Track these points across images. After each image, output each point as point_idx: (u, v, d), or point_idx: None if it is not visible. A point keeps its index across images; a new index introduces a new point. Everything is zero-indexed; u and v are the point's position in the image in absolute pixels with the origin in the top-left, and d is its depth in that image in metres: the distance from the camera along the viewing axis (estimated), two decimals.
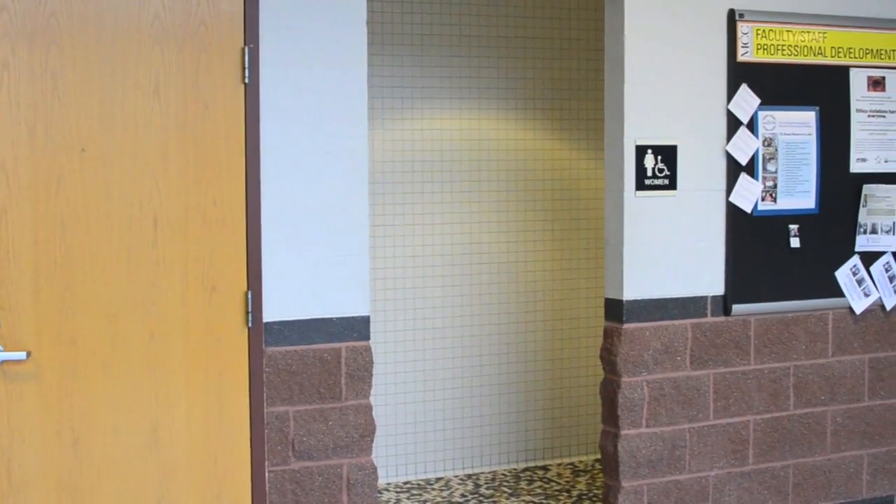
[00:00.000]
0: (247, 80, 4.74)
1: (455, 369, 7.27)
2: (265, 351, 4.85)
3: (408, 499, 6.93)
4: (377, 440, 5.24)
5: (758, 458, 5.99)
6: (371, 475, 5.10)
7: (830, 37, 6.08)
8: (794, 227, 6.01)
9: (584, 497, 6.89)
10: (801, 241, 6.02)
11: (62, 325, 4.46)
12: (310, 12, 4.90)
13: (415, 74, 7.24)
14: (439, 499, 6.93)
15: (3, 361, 4.36)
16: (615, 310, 5.69)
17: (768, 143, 5.93)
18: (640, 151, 5.63)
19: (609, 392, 5.73)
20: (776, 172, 5.96)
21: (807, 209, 6.05)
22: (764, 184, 5.92)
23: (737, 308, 5.86)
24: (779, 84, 5.95)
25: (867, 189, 6.17)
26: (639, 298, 5.65)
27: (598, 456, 6.68)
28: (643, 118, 5.64)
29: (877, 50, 6.20)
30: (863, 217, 6.17)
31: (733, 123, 5.84)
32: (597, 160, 7.57)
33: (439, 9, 7.26)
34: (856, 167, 6.19)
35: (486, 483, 7.28)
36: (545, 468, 7.54)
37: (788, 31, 5.96)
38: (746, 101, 5.85)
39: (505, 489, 7.04)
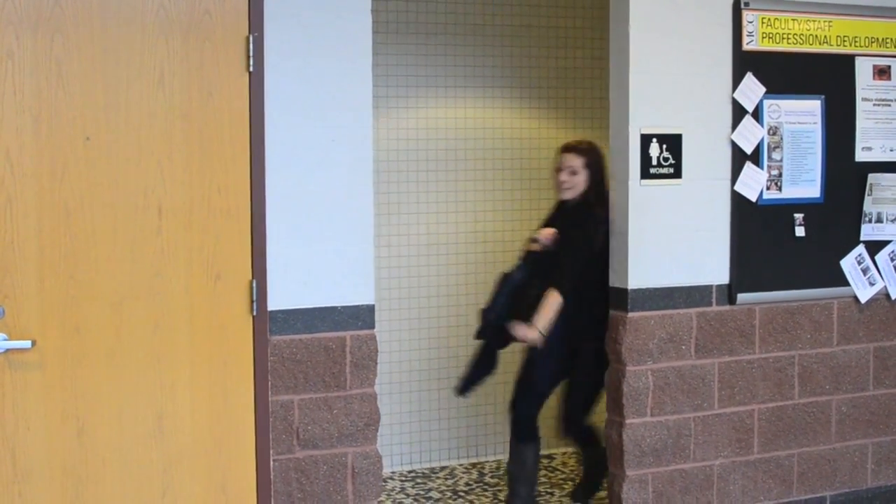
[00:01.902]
0: (251, 69, 4.73)
1: (459, 358, 7.26)
2: (270, 339, 4.86)
3: (412, 487, 6.94)
4: (382, 429, 5.25)
5: (762, 447, 5.99)
6: (376, 464, 5.11)
7: (836, 25, 6.07)
8: (799, 216, 6.00)
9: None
10: (807, 230, 6.01)
11: (67, 314, 4.46)
12: (314, 1, 4.89)
13: (419, 63, 7.23)
14: (444, 487, 6.94)
15: (8, 350, 4.36)
16: (620, 298, 5.68)
17: (773, 131, 5.92)
18: (645, 140, 5.62)
19: (614, 381, 5.73)
20: (781, 161, 5.95)
21: (812, 198, 6.04)
22: (769, 172, 5.91)
23: (742, 297, 5.86)
24: (784, 73, 5.94)
25: (872, 178, 6.16)
26: (644, 287, 5.65)
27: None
28: (648, 106, 5.63)
29: (882, 39, 6.19)
30: (868, 206, 6.16)
31: (738, 112, 5.83)
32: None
33: None
34: (861, 156, 6.18)
35: (490, 472, 7.28)
36: (550, 457, 7.55)
37: (794, 19, 5.95)
38: (752, 90, 5.84)
39: None
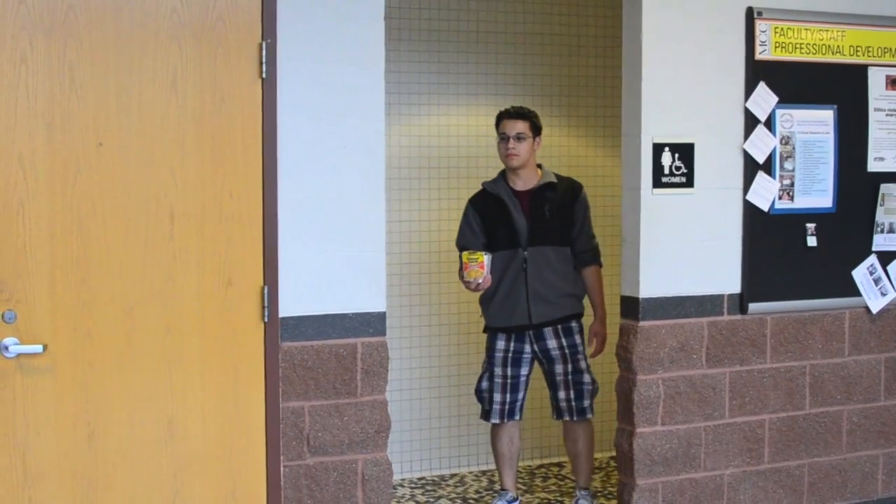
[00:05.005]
0: (264, 75, 4.74)
1: (470, 365, 7.26)
2: (281, 346, 4.86)
3: (422, 494, 6.93)
4: (392, 436, 5.25)
5: (773, 456, 5.98)
6: (386, 471, 5.10)
7: (849, 35, 6.06)
8: (811, 226, 5.99)
9: (598, 494, 6.88)
10: (818, 240, 6.00)
11: (78, 319, 4.47)
12: (328, 7, 4.90)
13: (431, 70, 7.24)
14: (454, 495, 6.93)
15: (20, 354, 4.37)
16: (631, 307, 5.68)
17: (786, 141, 5.91)
18: (657, 149, 5.62)
19: (625, 390, 5.72)
20: (793, 171, 5.94)
21: (824, 208, 6.03)
22: (781, 182, 5.91)
23: (753, 306, 5.85)
24: (797, 82, 5.93)
25: (884, 188, 6.15)
26: (655, 296, 5.65)
27: (614, 453, 6.67)
28: (660, 116, 5.63)
29: (895, 49, 6.18)
30: (880, 216, 6.15)
31: (751, 121, 5.83)
32: (613, 157, 7.55)
33: (456, 4, 7.25)
34: (873, 166, 6.17)
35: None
36: (560, 465, 7.54)
37: (807, 29, 5.94)
38: (764, 99, 5.84)
39: (520, 486, 7.03)
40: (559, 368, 6.16)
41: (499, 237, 6.13)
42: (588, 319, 6.26)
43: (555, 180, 6.14)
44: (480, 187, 6.25)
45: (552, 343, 6.13)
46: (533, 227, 6.05)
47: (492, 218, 6.16)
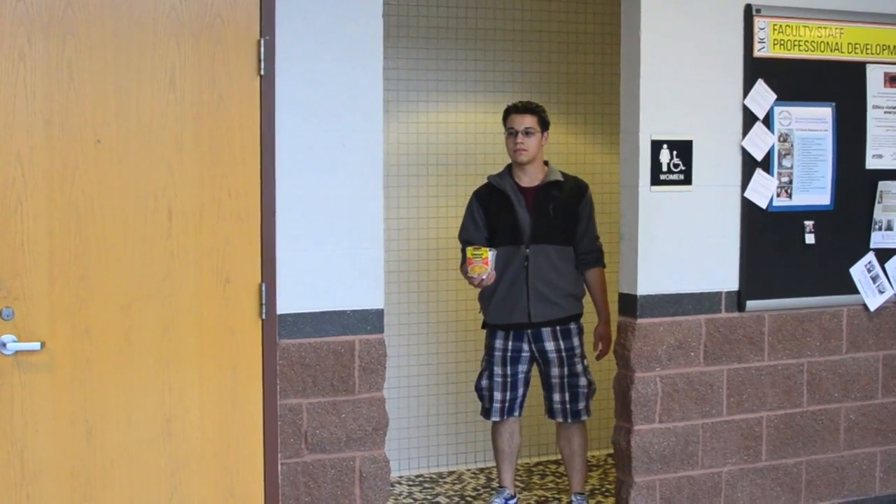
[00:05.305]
0: (262, 73, 4.74)
1: (468, 363, 7.26)
2: (279, 343, 4.86)
3: (420, 492, 6.93)
4: (390, 433, 5.24)
5: (771, 454, 5.98)
6: (384, 468, 5.10)
7: (847, 32, 6.06)
8: (809, 224, 5.99)
9: (596, 492, 6.88)
10: (816, 238, 6.00)
11: (76, 316, 4.47)
12: (326, 5, 4.89)
13: (429, 68, 7.23)
14: (451, 492, 6.93)
15: (18, 352, 4.37)
16: (629, 305, 5.68)
17: (784, 138, 5.91)
18: (656, 146, 5.62)
19: (622, 387, 5.72)
20: (792, 168, 5.94)
21: (822, 205, 6.03)
22: (779, 179, 5.91)
23: (751, 304, 5.85)
24: (795, 80, 5.93)
25: (883, 186, 6.15)
26: (653, 293, 5.64)
27: (611, 451, 6.67)
28: (659, 113, 5.63)
29: (894, 46, 6.18)
30: (878, 214, 6.15)
31: (749, 119, 5.82)
32: (612, 154, 7.55)
33: (454, 2, 7.25)
34: (871, 163, 6.17)
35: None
36: (558, 462, 7.53)
37: (805, 26, 5.94)
38: (762, 97, 5.84)
39: (517, 483, 7.03)
40: (555, 371, 6.15)
41: (501, 232, 6.10)
42: (588, 318, 6.25)
43: (561, 178, 6.13)
44: (486, 181, 6.23)
45: (550, 345, 6.12)
46: (536, 225, 6.03)
47: (495, 212, 6.14)
